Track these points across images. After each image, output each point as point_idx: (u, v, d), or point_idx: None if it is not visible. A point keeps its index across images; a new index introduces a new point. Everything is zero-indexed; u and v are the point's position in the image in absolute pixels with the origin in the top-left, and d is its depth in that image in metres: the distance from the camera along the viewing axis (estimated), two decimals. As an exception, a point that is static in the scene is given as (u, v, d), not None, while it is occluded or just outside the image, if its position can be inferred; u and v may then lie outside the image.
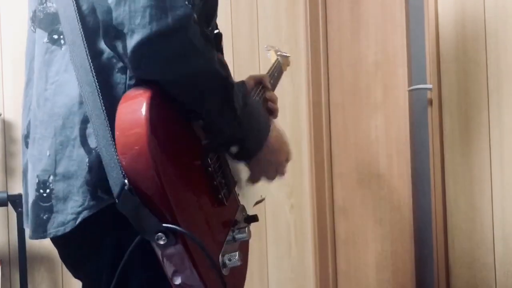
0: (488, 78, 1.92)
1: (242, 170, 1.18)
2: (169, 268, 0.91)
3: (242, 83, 1.45)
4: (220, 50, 1.30)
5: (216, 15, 1.22)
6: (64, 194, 0.97)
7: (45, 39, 1.04)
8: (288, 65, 1.81)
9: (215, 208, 1.03)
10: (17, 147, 2.25)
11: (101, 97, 0.92)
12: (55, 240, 1.05)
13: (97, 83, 0.92)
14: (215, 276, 0.95)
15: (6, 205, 2.06)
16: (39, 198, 1.00)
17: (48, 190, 0.99)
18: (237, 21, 2.64)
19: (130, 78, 0.96)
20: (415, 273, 2.41)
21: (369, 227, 2.62)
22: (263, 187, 1.32)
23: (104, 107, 0.91)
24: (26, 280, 2.06)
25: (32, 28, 1.09)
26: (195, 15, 0.92)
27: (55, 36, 1.02)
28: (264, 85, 1.42)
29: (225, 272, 0.99)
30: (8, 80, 2.26)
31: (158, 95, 0.93)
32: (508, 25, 1.84)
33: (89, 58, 0.94)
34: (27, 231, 1.05)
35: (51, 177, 0.99)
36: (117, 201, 0.88)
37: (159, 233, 0.86)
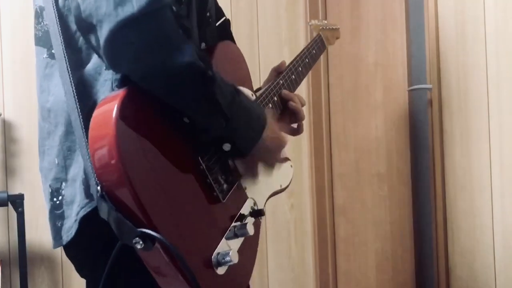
0: (488, 78, 1.92)
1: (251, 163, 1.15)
2: (154, 273, 0.90)
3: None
4: (228, 37, 1.27)
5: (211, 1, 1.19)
6: (71, 197, 0.99)
7: (45, 55, 1.06)
8: (337, 37, 1.77)
9: (210, 206, 1.00)
10: (17, 147, 2.25)
11: (77, 103, 0.92)
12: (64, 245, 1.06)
13: (75, 92, 0.93)
14: (207, 276, 0.94)
15: (6, 205, 2.06)
16: (53, 207, 1.02)
17: (60, 197, 1.01)
18: (237, 21, 2.64)
19: (116, 73, 0.96)
20: (415, 273, 2.41)
21: (369, 227, 2.62)
22: (281, 176, 1.28)
23: (80, 112, 0.91)
24: (26, 280, 2.06)
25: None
26: (172, 6, 0.89)
27: (54, 51, 1.03)
28: (280, 72, 1.36)
29: (220, 271, 0.96)
30: (8, 80, 2.25)
31: (135, 95, 0.91)
32: (508, 25, 1.84)
33: (69, 70, 0.94)
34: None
35: (63, 184, 1.00)
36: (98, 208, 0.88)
37: (136, 238, 0.84)
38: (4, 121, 2.25)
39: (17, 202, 2.04)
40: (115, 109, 0.87)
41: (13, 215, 2.10)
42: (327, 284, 2.77)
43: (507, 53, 1.84)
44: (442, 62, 2.12)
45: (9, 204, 2.07)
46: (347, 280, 2.75)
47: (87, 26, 0.90)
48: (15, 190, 2.20)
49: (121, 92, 0.90)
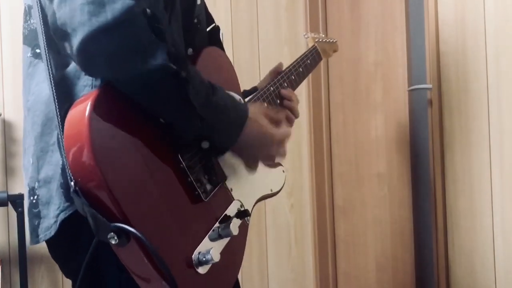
0: (488, 78, 1.92)
1: (237, 165, 1.15)
2: (130, 270, 0.90)
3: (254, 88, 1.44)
4: (217, 43, 1.28)
5: (199, 5, 1.19)
6: (47, 199, 1.00)
7: (29, 54, 1.07)
8: (335, 50, 1.78)
9: (192, 205, 1.00)
10: (17, 147, 2.25)
11: (56, 103, 0.93)
12: (47, 243, 1.07)
13: (54, 91, 0.94)
14: (187, 274, 0.93)
15: (6, 205, 2.06)
16: (31, 205, 1.03)
17: (36, 197, 1.02)
18: (237, 21, 2.64)
19: (96, 79, 0.97)
20: (415, 273, 2.41)
21: (369, 227, 2.62)
22: (273, 180, 1.28)
23: (58, 112, 0.92)
24: (26, 280, 2.06)
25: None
26: (147, 9, 0.89)
27: (38, 50, 1.04)
28: (279, 73, 1.39)
29: (201, 270, 0.95)
30: (8, 80, 2.26)
31: (110, 93, 0.91)
32: (508, 25, 1.84)
33: (49, 68, 0.95)
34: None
35: (36, 184, 1.02)
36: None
37: (111, 233, 0.84)
38: (4, 121, 2.25)
39: (17, 202, 2.04)
40: (88, 106, 0.88)
41: (13, 215, 2.11)
42: (327, 284, 2.77)
43: (507, 53, 1.84)
44: (442, 62, 2.12)
45: (9, 204, 2.07)
46: (347, 280, 2.75)
47: (62, 34, 0.90)
48: (15, 190, 2.20)
49: (95, 91, 0.91)
